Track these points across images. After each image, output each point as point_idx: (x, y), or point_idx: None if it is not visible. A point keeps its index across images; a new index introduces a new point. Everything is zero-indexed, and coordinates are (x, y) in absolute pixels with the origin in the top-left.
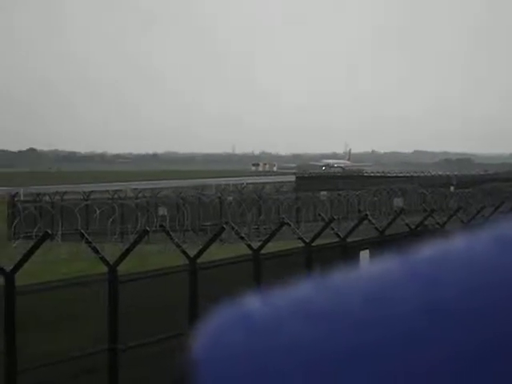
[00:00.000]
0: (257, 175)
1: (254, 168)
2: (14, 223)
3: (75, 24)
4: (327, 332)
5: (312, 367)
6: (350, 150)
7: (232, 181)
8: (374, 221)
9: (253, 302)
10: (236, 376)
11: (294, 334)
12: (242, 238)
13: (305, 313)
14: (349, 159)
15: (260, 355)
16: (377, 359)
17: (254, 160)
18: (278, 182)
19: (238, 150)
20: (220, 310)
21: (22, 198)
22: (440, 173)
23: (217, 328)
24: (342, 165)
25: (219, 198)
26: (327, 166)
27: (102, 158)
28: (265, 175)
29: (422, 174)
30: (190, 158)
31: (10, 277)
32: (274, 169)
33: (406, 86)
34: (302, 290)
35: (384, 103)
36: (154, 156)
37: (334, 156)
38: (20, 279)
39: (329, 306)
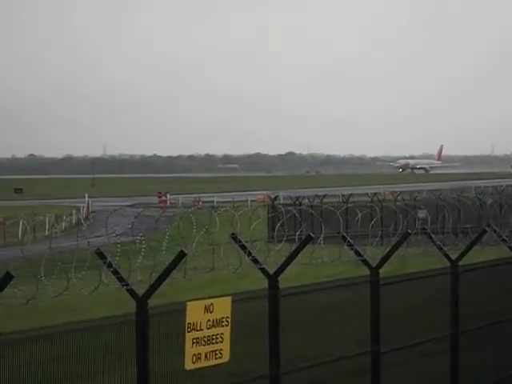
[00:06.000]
0: None
1: None
2: (277, 226)
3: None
4: None
5: None
6: (441, 146)
7: (491, 183)
8: None
9: None
10: None
11: None
12: (503, 240)
13: None
14: (439, 158)
15: None
16: None
17: None
18: None
19: (498, 152)
20: None
21: (281, 201)
22: None
23: None
24: (425, 166)
25: (479, 200)
26: (404, 166)
27: (361, 160)
28: None
29: None
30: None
31: (273, 279)
32: None
33: None
34: None
35: None
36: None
37: None
38: (283, 281)
39: None
